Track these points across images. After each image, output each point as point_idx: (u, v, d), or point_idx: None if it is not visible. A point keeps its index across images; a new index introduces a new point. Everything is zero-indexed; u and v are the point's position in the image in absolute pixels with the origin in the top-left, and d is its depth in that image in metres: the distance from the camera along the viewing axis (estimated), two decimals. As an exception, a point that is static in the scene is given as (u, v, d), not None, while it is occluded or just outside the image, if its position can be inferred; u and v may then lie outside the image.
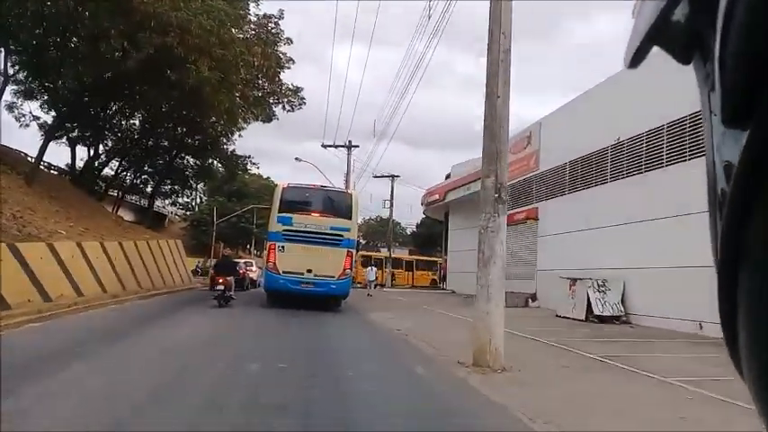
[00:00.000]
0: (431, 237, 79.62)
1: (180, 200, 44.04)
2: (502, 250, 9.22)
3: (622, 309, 17.50)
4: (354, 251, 20.50)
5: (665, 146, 16.64)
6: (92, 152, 33.84)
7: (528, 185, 25.32)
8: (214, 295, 18.94)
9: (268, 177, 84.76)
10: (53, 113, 26.55)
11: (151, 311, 16.36)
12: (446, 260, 40.84)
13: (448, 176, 40.74)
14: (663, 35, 0.56)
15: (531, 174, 24.92)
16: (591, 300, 17.43)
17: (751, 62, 0.43)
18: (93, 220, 26.36)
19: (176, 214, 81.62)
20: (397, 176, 51.27)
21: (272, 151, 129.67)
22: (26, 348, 8.54)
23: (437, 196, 37.37)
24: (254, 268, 34.79)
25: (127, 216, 62.68)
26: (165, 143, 36.84)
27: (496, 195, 9.15)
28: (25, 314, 12.37)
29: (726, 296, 0.47)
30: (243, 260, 35.49)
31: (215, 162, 41.65)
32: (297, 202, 19.30)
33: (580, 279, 17.91)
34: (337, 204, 19.41)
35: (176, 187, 40.05)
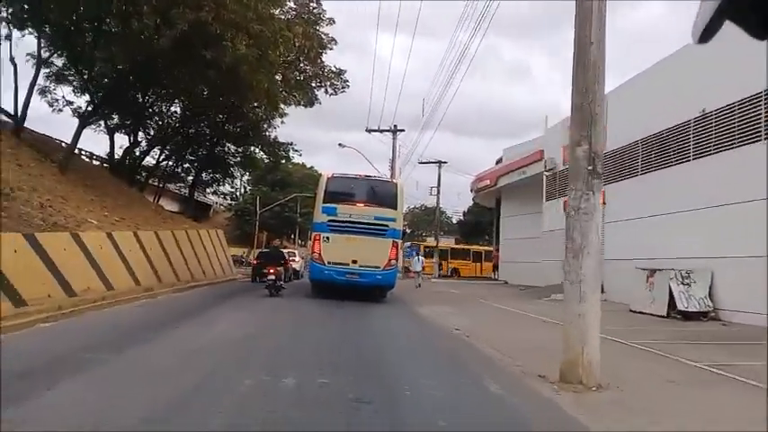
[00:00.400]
0: (478, 225, 77.28)
1: (221, 188, 42.78)
2: (597, 238, 7.34)
3: (710, 303, 15.28)
4: (400, 241, 20.38)
5: (763, 115, 14.31)
6: (131, 140, 32.98)
7: None
8: (265, 284, 19.59)
9: (312, 167, 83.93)
10: (87, 98, 25.67)
11: (185, 306, 15.04)
12: (498, 249, 38.75)
13: (499, 161, 38.62)
14: (737, 8, 0.53)
15: (596, 154, 22.66)
16: (674, 293, 15.26)
17: None
18: (131, 210, 25.40)
19: (221, 204, 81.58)
20: (444, 162, 49.31)
21: (315, 141, 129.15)
22: (15, 358, 7.10)
23: (488, 182, 35.29)
24: (296, 258, 33.51)
25: (170, 206, 62.53)
26: (207, 130, 35.84)
27: (590, 168, 7.25)
28: (42, 311, 11.11)
29: None
30: (285, 251, 34.22)
31: (257, 149, 40.65)
32: (341, 191, 19.11)
33: (660, 270, 15.74)
34: (382, 194, 19.18)
35: (218, 176, 38.98)
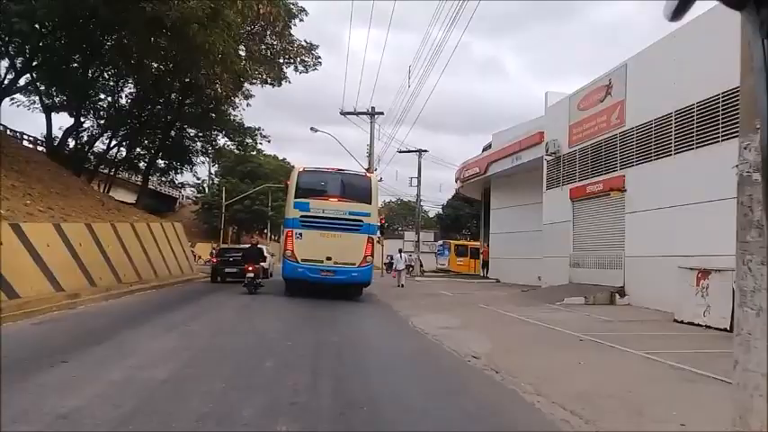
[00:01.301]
0: (457, 220, 74.29)
1: (180, 177, 38.57)
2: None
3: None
4: (375, 237, 20.14)
5: None
6: (75, 121, 28.85)
7: (609, 148, 19.81)
8: (244, 282, 19.68)
9: (284, 159, 79.79)
10: (6, 63, 21.47)
11: (107, 321, 11.35)
12: (487, 244, 35.48)
13: (487, 148, 35.27)
14: None
15: (613, 132, 19.34)
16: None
17: None
18: (67, 200, 21.44)
19: (187, 197, 77.10)
20: (425, 151, 45.85)
21: (288, 135, 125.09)
22: None
23: (477, 170, 31.89)
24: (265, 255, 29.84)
25: (129, 198, 58.40)
26: (161, 111, 31.82)
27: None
28: None
29: None
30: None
31: (219, 134, 36.77)
32: (313, 186, 18.82)
33: (718, 270, 12.44)
34: (355, 188, 18.90)
35: (176, 163, 34.88)
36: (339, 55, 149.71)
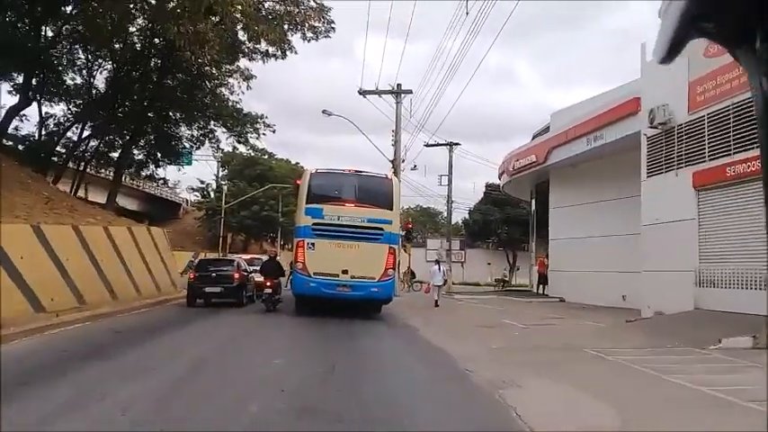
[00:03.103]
0: (486, 225, 67.11)
1: (161, 172, 32.09)
2: None
3: None
4: (397, 247, 18.98)
5: None
6: (21, 99, 22.81)
7: (738, 114, 13.31)
8: (262, 298, 18.27)
9: (297, 163, 73.46)
10: None
11: None
12: (542, 255, 28.82)
13: (539, 135, 28.70)
14: (705, 23, 0.54)
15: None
16: None
17: None
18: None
19: (192, 203, 71.26)
20: (457, 144, 39.52)
21: (302, 144, 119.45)
22: None
23: (532, 158, 25.27)
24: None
25: (130, 205, 52.56)
26: (137, 87, 25.66)
27: None
28: None
29: None
30: (240, 257, 24.29)
31: (213, 121, 30.66)
32: (327, 190, 17.25)
33: None
34: (375, 191, 17.26)
35: (157, 154, 28.48)
36: (354, 63, 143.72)
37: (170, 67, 23.91)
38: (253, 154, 66.63)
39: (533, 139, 28.84)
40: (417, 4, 75.24)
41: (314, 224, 16.59)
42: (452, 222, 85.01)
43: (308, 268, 16.41)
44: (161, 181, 35.49)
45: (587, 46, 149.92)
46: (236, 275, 18.56)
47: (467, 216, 72.21)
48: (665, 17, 0.56)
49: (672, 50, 0.56)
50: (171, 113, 26.49)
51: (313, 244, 16.49)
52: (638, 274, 17.82)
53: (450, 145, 38.92)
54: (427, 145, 37.74)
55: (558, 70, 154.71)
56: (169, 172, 76.33)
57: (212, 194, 64.13)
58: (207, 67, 23.40)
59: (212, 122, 31.01)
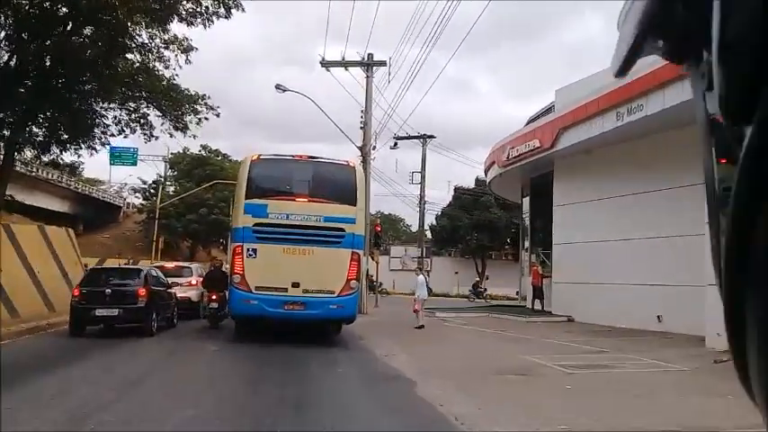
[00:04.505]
0: (454, 231, 62.30)
1: (65, 156, 25.75)
2: None
3: None
4: (362, 252, 15.40)
5: None
6: None
7: None
8: (205, 314, 16.33)
9: (252, 163, 67.78)
10: None
11: None
12: (536, 263, 24.03)
13: (534, 120, 24.06)
14: (654, 37, 0.54)
15: None
16: None
17: (751, 56, 0.45)
18: None
19: (134, 206, 64.74)
20: (432, 137, 34.80)
21: (261, 150, 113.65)
22: None
23: (536, 143, 20.46)
24: (192, 280, 18.11)
25: (54, 205, 45.93)
26: (35, 47, 19.85)
27: None
28: None
29: (731, 308, 0.47)
30: (148, 265, 18.91)
31: (143, 100, 25.08)
32: (273, 181, 14.18)
33: None
34: (334, 183, 14.27)
35: (62, 133, 22.39)
36: (315, 74, 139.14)
37: (83, 17, 18.30)
38: (204, 154, 61.26)
39: (528, 124, 24.12)
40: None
41: (256, 225, 13.56)
42: (413, 230, 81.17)
43: (248, 281, 13.30)
44: (78, 170, 29.09)
45: (545, 58, 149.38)
46: (142, 291, 13.10)
47: (433, 222, 67.61)
48: (622, 29, 0.57)
49: (625, 65, 0.56)
50: (81, 80, 20.59)
51: (254, 250, 13.43)
52: (683, 289, 13.54)
53: (424, 137, 34.18)
54: (397, 138, 32.85)
55: (516, 82, 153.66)
56: (115, 173, 68.97)
57: (154, 195, 58.06)
58: (131, 24, 18.02)
59: (143, 103, 25.42)
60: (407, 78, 51.49)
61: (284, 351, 11.68)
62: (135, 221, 60.20)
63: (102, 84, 20.87)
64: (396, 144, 28.92)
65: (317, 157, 14.70)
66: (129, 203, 66.47)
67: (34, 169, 45.25)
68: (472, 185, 59.40)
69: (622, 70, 0.57)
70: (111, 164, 62.77)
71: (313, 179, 14.29)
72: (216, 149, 63.24)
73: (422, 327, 16.66)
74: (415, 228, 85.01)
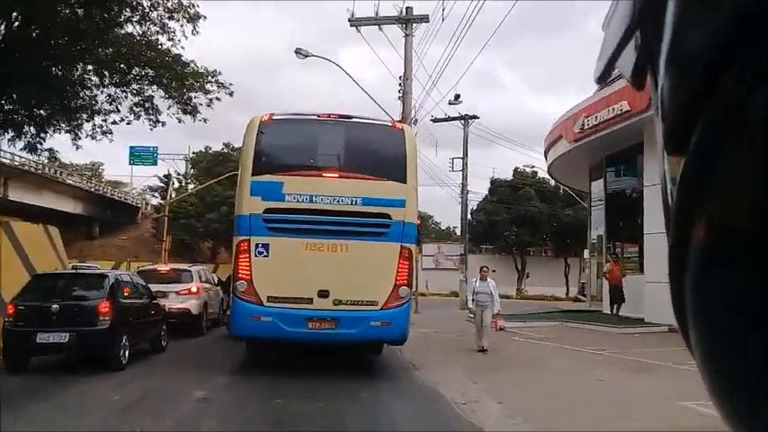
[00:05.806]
0: (491, 227, 57.80)
1: (42, 144, 21.76)
2: None
3: None
4: (414, 247, 10.81)
5: None
6: None
7: None
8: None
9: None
10: None
11: None
12: (617, 258, 19.74)
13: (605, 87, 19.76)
14: (620, 59, 0.55)
15: None
16: None
17: (684, 92, 0.45)
18: None
19: (153, 206, 61.95)
20: (475, 117, 30.70)
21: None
22: None
23: (625, 105, 16.21)
24: (192, 287, 14.28)
25: (63, 205, 42.93)
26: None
27: None
28: None
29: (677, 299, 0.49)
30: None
31: (143, 75, 21.61)
32: (291, 151, 10.79)
33: None
34: (376, 152, 10.75)
35: (41, 112, 18.64)
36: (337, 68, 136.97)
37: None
38: (227, 151, 58.69)
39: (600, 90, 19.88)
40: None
41: (267, 211, 9.97)
42: (448, 226, 76.84)
43: (257, 290, 9.69)
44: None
45: (571, 51, 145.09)
46: (104, 307, 9.17)
47: (468, 217, 63.24)
48: (606, 31, 0.56)
49: (605, 73, 0.55)
50: (59, 42, 16.82)
51: (266, 246, 9.87)
52: None
53: (466, 118, 30.05)
54: (435, 120, 28.81)
55: (542, 76, 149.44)
56: (138, 173, 66.08)
57: (174, 195, 55.20)
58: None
59: (146, 81, 21.98)
60: (457, 36, 47.32)
61: (309, 392, 7.81)
62: (152, 222, 57.63)
63: (87, 48, 17.19)
64: (457, 97, 25.64)
65: (351, 117, 10.95)
66: (147, 204, 63.89)
67: (47, 168, 42.41)
68: (509, 178, 56.03)
69: (603, 76, 0.55)
70: (129, 164, 60.36)
71: (346, 147, 10.80)
72: (239, 147, 60.43)
73: (485, 350, 12.50)
74: (444, 225, 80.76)
